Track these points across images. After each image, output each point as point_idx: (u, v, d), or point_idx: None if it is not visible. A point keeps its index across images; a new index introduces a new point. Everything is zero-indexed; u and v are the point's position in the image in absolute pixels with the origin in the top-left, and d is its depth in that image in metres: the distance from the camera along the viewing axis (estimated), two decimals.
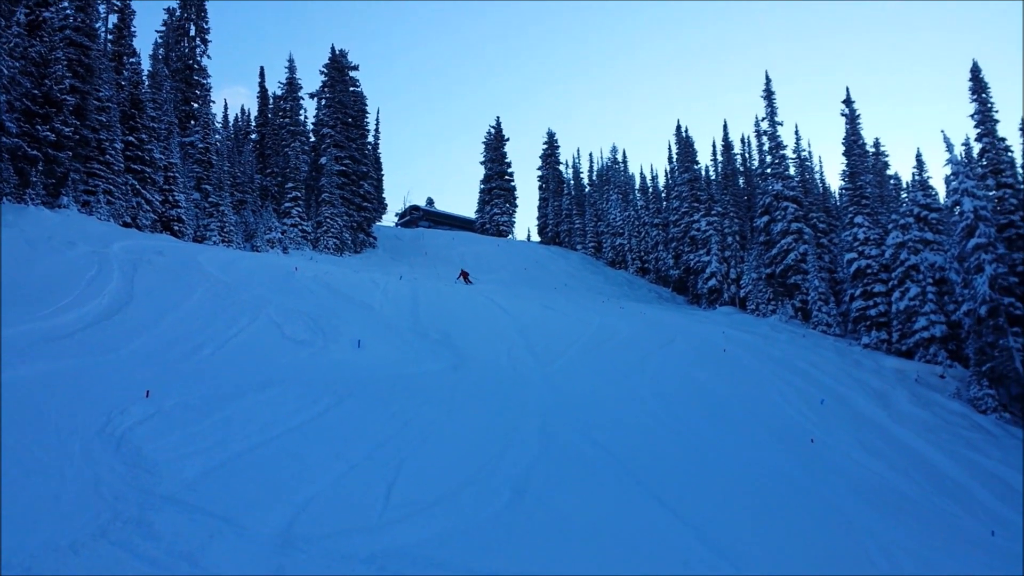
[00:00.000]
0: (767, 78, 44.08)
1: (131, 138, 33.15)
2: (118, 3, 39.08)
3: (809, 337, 33.99)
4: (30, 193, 25.59)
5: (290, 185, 46.87)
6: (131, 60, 37.41)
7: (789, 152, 43.85)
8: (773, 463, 15.36)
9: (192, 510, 8.09)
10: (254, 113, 56.86)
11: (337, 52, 55.52)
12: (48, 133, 26.93)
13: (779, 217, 41.42)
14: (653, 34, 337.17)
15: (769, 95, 44.34)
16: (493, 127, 77.17)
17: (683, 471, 13.32)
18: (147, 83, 38.02)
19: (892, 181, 42.57)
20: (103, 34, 37.00)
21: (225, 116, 53.76)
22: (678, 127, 55.57)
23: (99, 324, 15.98)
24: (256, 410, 12.15)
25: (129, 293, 18.87)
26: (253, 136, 55.49)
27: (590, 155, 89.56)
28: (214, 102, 58.05)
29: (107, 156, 30.62)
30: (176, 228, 34.56)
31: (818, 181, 47.47)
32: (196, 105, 46.62)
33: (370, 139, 59.41)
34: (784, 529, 11.33)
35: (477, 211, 76.71)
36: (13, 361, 12.19)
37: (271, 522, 8.12)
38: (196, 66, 47.89)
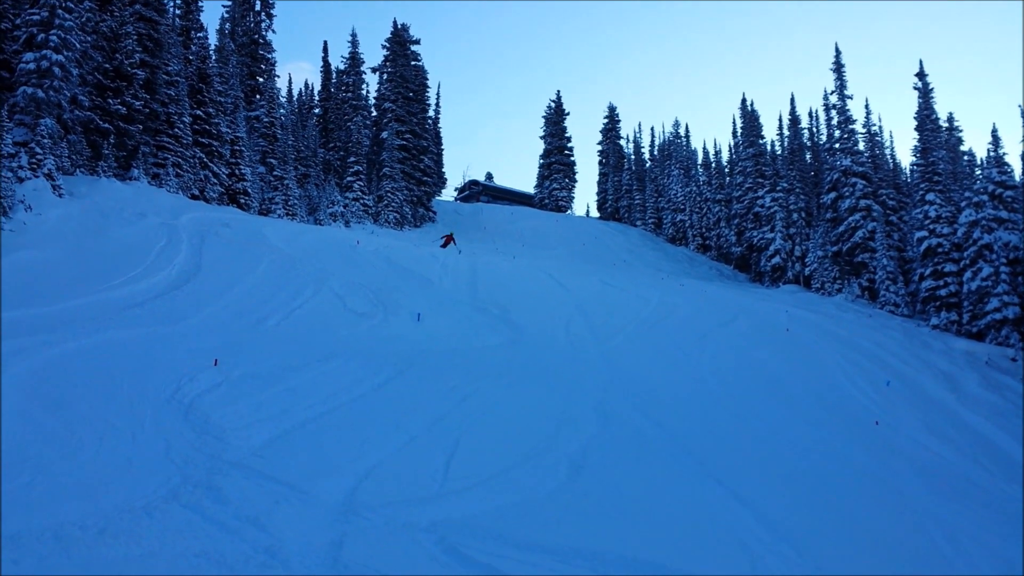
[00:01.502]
0: (837, 50, 42.79)
1: (199, 112, 33.83)
2: None
3: (876, 317, 33.16)
4: (102, 165, 26.33)
5: (352, 159, 47.32)
6: (198, 35, 38.08)
7: (859, 127, 42.55)
8: (836, 445, 15.08)
9: (259, 476, 8.30)
10: (317, 87, 57.44)
11: (399, 26, 55.65)
12: (119, 106, 27.66)
13: (847, 193, 40.33)
14: (720, 7, 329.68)
15: (839, 67, 43.04)
16: (553, 101, 76.60)
17: (742, 451, 13.16)
18: (214, 57, 38.68)
19: (966, 157, 40.91)
20: (171, 8, 37.68)
21: (289, 91, 54.54)
22: (743, 101, 54.44)
23: (169, 294, 16.44)
24: (319, 380, 12.39)
25: (197, 264, 19.35)
26: (316, 110, 56.10)
27: (652, 129, 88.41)
28: (279, 76, 58.97)
29: (176, 129, 31.31)
30: (242, 201, 35.27)
31: (888, 157, 45.96)
32: (261, 80, 47.29)
33: (431, 113, 59.54)
34: (846, 512, 11.12)
35: (536, 186, 76.49)
36: (87, 329, 12.64)
37: (334, 490, 8.29)
38: (261, 40, 48.49)
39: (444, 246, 37.70)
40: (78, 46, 25.35)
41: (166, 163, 30.46)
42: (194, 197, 31.58)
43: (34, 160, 21.76)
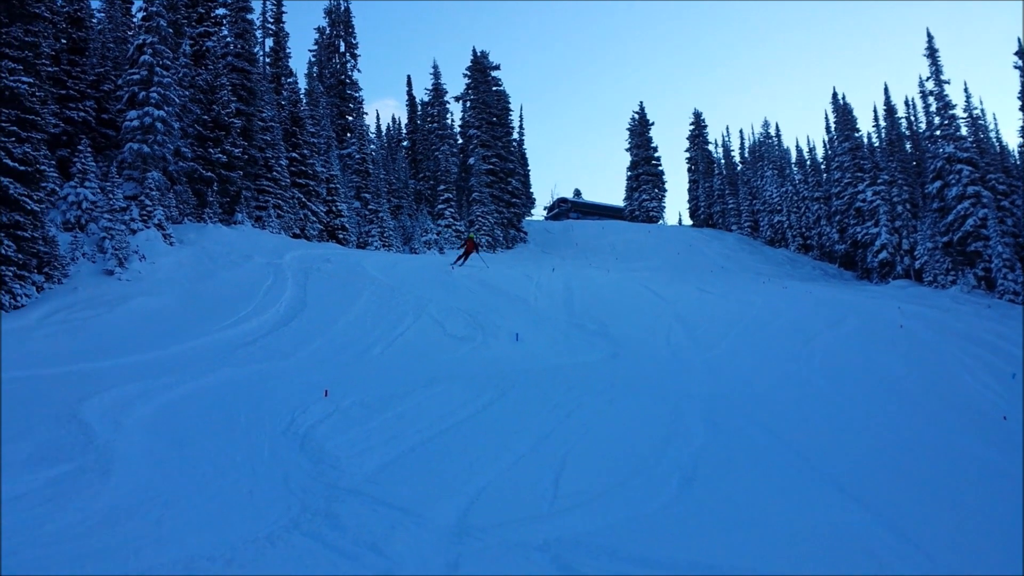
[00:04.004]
0: (928, 35, 41.21)
1: (294, 154, 35.14)
2: (272, 27, 41.47)
3: (995, 307, 31.45)
4: (208, 212, 27.62)
5: (442, 187, 48.21)
6: (288, 80, 39.63)
7: (959, 111, 40.72)
8: (962, 444, 14.30)
9: (373, 502, 8.46)
10: (404, 121, 58.97)
11: (479, 53, 56.54)
12: (219, 155, 28.98)
13: (953, 181, 38.55)
14: (801, 6, 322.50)
15: (932, 53, 41.35)
16: (637, 112, 76.22)
17: (862, 456, 12.62)
18: (304, 101, 40.16)
19: None
20: (261, 58, 39.36)
21: (378, 126, 56.15)
22: (834, 95, 52.78)
23: (278, 330, 17.05)
24: (425, 405, 12.57)
25: (303, 300, 20.01)
26: (404, 143, 57.47)
27: (740, 132, 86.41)
28: (367, 114, 60.78)
29: (274, 173, 32.59)
30: (341, 236, 36.35)
31: (994, 140, 43.80)
32: (351, 118, 48.85)
33: (515, 136, 60.19)
34: (979, 513, 10.49)
35: (625, 198, 76.07)
36: (204, 369, 13.22)
37: (447, 512, 8.37)
38: (348, 80, 50.12)
39: (463, 257, 32.14)
40: (177, 101, 26.74)
41: (267, 205, 31.70)
42: (295, 236, 32.74)
43: (144, 212, 23.00)
